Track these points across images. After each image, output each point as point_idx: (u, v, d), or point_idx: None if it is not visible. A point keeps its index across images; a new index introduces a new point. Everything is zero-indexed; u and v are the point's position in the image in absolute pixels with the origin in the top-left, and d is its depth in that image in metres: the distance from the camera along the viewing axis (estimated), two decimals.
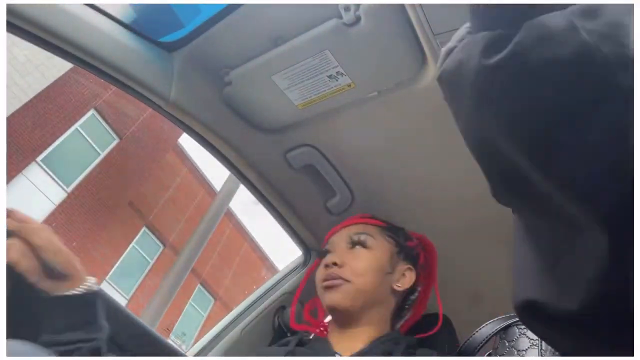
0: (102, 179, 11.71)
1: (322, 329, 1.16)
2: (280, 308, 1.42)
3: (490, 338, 0.71)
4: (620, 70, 0.29)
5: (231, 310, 1.42)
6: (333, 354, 0.90)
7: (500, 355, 0.67)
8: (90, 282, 0.75)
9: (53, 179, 10.75)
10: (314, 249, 1.53)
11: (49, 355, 0.61)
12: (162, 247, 13.89)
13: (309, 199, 1.42)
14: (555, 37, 0.31)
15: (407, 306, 1.12)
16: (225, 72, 1.12)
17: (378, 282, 1.01)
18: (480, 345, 0.71)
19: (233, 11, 1.00)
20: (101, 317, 0.73)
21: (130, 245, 12.81)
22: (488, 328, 0.72)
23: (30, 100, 9.97)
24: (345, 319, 0.99)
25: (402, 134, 1.22)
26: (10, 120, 9.36)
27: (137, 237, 13.02)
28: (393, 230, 1.17)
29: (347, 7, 0.92)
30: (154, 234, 13.64)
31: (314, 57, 1.01)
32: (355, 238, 1.09)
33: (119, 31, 0.98)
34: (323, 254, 1.12)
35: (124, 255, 12.57)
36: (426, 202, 1.40)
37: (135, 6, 1.04)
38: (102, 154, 11.84)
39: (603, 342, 0.32)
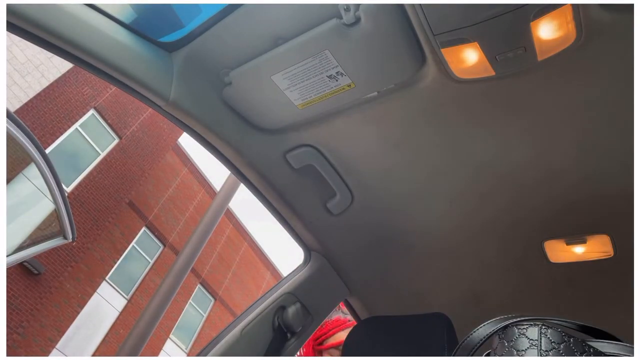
0: (102, 179, 11.70)
1: None
2: (280, 308, 1.42)
3: (487, 338, 0.71)
4: None
5: (231, 311, 1.43)
6: None
7: (499, 356, 0.67)
8: None
9: None
10: (314, 249, 1.53)
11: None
12: (162, 247, 13.89)
13: (309, 199, 1.42)
14: None
15: None
16: (225, 72, 1.12)
17: None
18: (478, 345, 0.71)
19: (233, 11, 1.00)
20: None
21: (130, 245, 12.81)
22: (486, 328, 0.71)
23: (30, 100, 9.97)
24: None
25: (401, 134, 1.22)
26: None
27: (137, 237, 13.01)
28: None
29: (347, 8, 0.92)
30: (154, 234, 13.63)
31: (314, 57, 1.01)
32: None
33: (119, 31, 0.98)
34: None
35: (123, 255, 12.56)
36: (426, 201, 1.40)
37: (135, 6, 1.04)
38: (102, 154, 11.83)
39: None
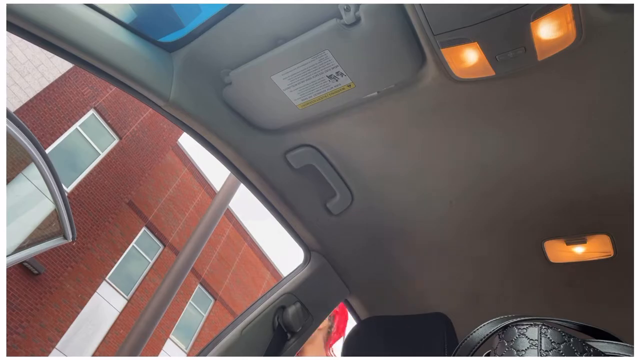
0: (102, 179, 11.70)
1: None
2: (280, 308, 1.42)
3: (488, 338, 0.71)
4: None
5: (231, 311, 1.43)
6: None
7: (499, 356, 0.67)
8: None
9: None
10: (314, 249, 1.53)
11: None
12: (162, 247, 13.88)
13: (309, 199, 1.42)
14: None
15: None
16: (225, 72, 1.12)
17: None
18: (478, 345, 0.71)
19: (233, 11, 1.00)
20: None
21: (130, 245, 12.80)
22: (486, 328, 0.71)
23: (31, 100, 9.97)
24: None
25: (401, 134, 1.22)
26: None
27: (137, 237, 13.00)
28: None
29: (347, 8, 0.92)
30: (154, 234, 13.63)
31: (314, 57, 1.01)
32: None
33: (119, 31, 0.98)
34: None
35: (124, 255, 12.56)
36: (426, 201, 1.40)
37: (135, 6, 1.04)
38: (102, 154, 11.83)
39: None
